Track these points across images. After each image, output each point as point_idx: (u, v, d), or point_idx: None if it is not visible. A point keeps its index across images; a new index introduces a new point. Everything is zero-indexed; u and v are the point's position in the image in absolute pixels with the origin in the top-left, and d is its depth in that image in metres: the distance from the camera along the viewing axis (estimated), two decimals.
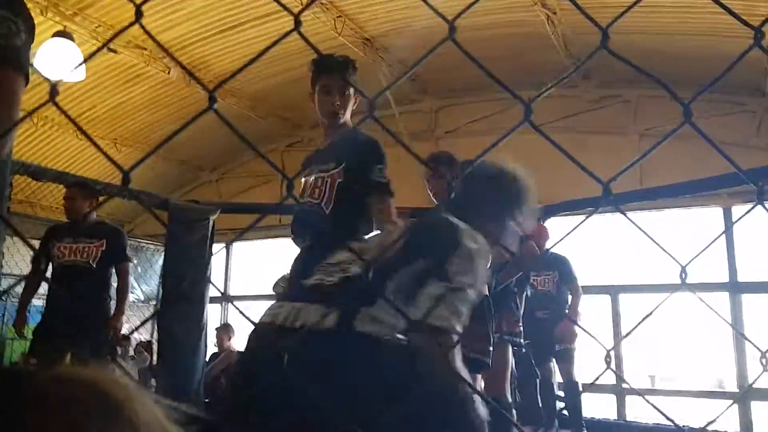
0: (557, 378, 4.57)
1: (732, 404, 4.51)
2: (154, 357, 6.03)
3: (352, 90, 2.29)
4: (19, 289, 4.53)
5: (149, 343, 6.55)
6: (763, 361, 0.79)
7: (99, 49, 0.86)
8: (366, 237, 2.12)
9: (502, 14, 5.57)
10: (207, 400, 5.73)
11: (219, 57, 6.10)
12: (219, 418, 1.39)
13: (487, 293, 2.62)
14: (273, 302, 1.68)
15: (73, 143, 7.12)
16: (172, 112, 6.99)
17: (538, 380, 4.26)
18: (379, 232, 2.22)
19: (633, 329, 0.78)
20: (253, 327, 1.65)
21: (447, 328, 1.40)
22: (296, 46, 5.86)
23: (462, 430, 1.40)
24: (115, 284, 4.07)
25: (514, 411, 3.43)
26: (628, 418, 5.53)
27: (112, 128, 7.06)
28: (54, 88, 0.64)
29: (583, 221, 0.79)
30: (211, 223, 5.73)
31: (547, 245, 4.86)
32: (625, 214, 0.77)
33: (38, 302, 4.14)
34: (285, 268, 2.39)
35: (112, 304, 4.01)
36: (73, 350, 3.11)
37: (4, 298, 6.44)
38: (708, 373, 6.81)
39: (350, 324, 1.40)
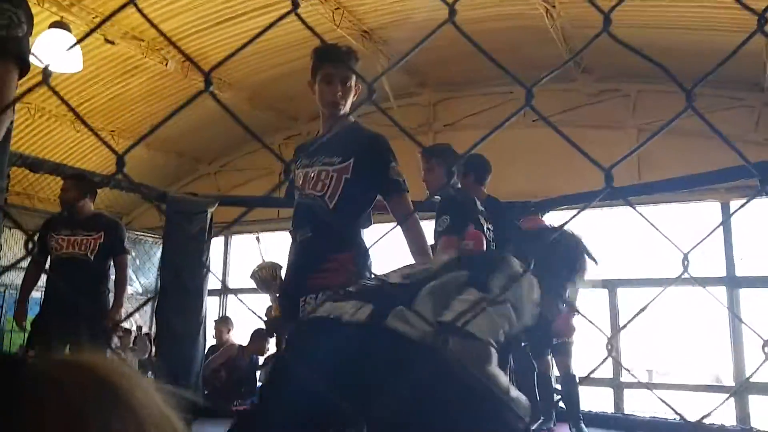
0: (555, 371, 4.58)
1: (729, 396, 4.53)
2: (154, 349, 6.04)
3: (353, 81, 2.26)
4: (17, 280, 4.53)
5: (149, 335, 6.55)
6: (766, 349, 0.79)
7: (92, 31, 0.85)
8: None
9: (501, 7, 5.55)
10: (206, 392, 5.74)
11: (216, 49, 6.07)
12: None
13: None
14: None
15: (71, 135, 7.10)
16: (170, 104, 6.97)
17: (535, 374, 4.27)
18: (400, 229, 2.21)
19: (633, 317, 0.77)
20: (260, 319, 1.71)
21: (480, 336, 1.42)
22: (294, 38, 5.84)
23: (493, 428, 1.42)
24: (113, 276, 4.07)
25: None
26: (625, 412, 5.55)
27: (109, 120, 7.04)
28: (46, 70, 0.63)
29: (584, 208, 0.78)
30: (209, 215, 5.72)
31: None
32: (629, 202, 0.76)
33: (36, 294, 4.14)
34: (283, 260, 2.39)
35: (111, 296, 4.01)
36: (72, 342, 3.11)
37: (2, 289, 6.44)
38: (705, 367, 6.84)
39: (382, 318, 1.43)
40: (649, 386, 6.50)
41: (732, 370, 5.65)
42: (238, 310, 7.66)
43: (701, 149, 5.42)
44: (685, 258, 0.73)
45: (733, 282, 5.67)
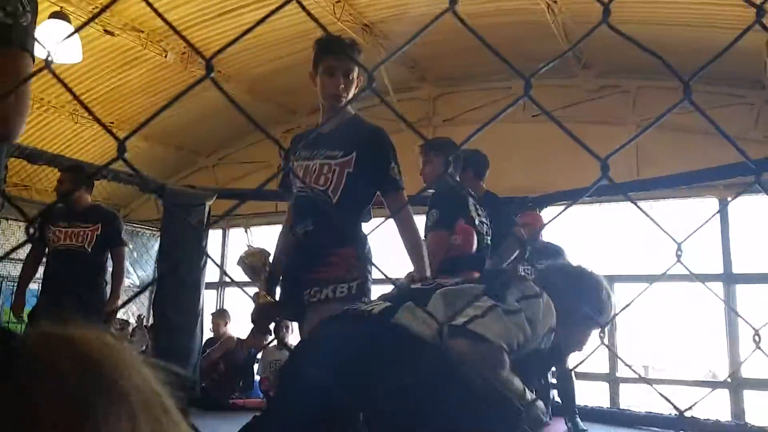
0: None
1: (716, 388, 4.54)
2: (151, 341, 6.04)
3: (356, 73, 2.25)
4: (14, 271, 4.52)
5: (147, 326, 6.55)
6: (756, 338, 0.80)
7: (92, 19, 0.85)
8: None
9: (503, 2, 5.54)
10: (204, 385, 5.75)
11: (218, 41, 6.05)
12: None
13: None
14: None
15: (69, 126, 7.09)
16: (169, 95, 6.95)
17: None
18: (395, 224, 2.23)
19: (624, 308, 0.78)
20: None
21: (490, 339, 1.44)
22: (294, 31, 5.83)
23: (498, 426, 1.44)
24: (110, 268, 4.07)
25: None
26: (621, 406, 5.57)
27: (108, 111, 7.02)
28: (49, 55, 0.63)
29: (582, 196, 0.78)
30: (207, 208, 5.72)
31: (542, 233, 4.88)
32: (626, 195, 0.77)
33: (34, 285, 4.14)
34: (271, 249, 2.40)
35: (108, 288, 4.01)
36: None
37: None
38: (701, 363, 6.86)
39: (393, 314, 1.46)
40: (645, 380, 6.52)
41: (727, 365, 5.67)
42: (235, 303, 7.67)
43: (699, 146, 5.43)
44: (679, 248, 0.73)
45: (729, 278, 5.69)
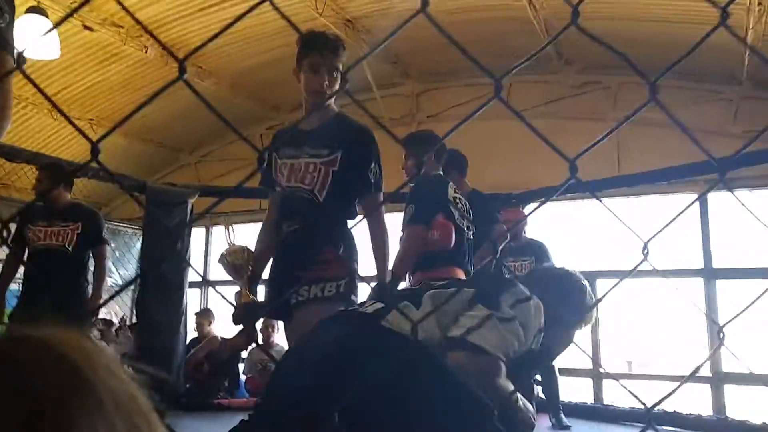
0: None
1: (683, 383, 4.59)
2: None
3: (340, 70, 2.25)
4: None
5: (131, 326, 6.48)
6: (721, 335, 0.81)
7: (69, 14, 0.83)
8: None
9: None
10: (188, 386, 5.71)
11: (197, 36, 5.99)
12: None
13: None
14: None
15: (49, 123, 6.98)
16: (150, 92, 6.87)
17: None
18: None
19: (595, 304, 0.78)
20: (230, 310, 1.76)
21: (487, 349, 1.45)
22: (276, 26, 5.79)
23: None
24: (92, 267, 4.02)
25: None
26: (605, 402, 5.62)
27: (88, 108, 6.93)
28: (20, 56, 0.61)
29: (545, 201, 0.79)
30: (189, 206, 5.67)
31: (524, 230, 4.90)
32: (593, 194, 0.76)
33: (14, 286, 4.08)
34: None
35: (90, 288, 3.96)
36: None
37: None
38: (683, 358, 6.93)
39: (385, 314, 1.48)
40: (626, 379, 6.58)
41: (709, 360, 5.73)
42: (219, 302, 7.61)
43: (681, 142, 5.47)
44: (645, 246, 0.73)
45: (710, 273, 5.75)
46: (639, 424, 4.53)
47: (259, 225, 2.47)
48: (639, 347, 7.06)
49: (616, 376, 5.97)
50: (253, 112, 7.63)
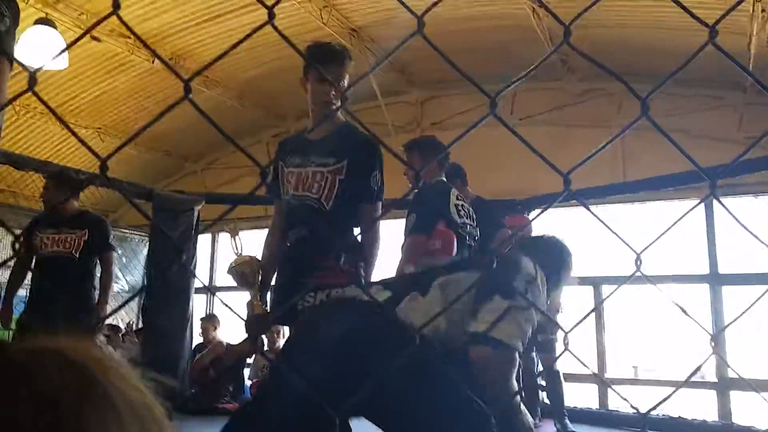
0: (539, 368, 4.62)
1: (677, 389, 4.58)
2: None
3: (347, 80, 2.28)
4: (2, 278, 4.48)
5: (137, 332, 6.52)
6: (712, 344, 0.83)
7: (80, 37, 0.86)
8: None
9: (489, 6, 5.58)
10: (193, 391, 5.73)
11: (203, 47, 6.05)
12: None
13: None
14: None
15: (57, 132, 7.05)
16: (157, 101, 6.93)
17: (520, 370, 4.30)
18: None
19: (587, 315, 0.80)
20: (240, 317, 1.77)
21: (509, 343, 1.47)
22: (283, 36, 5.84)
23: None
24: (99, 274, 4.04)
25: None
26: (610, 408, 5.61)
27: (95, 118, 7.00)
28: (32, 77, 0.64)
29: (546, 208, 0.81)
30: (195, 213, 5.71)
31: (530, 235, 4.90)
32: (585, 205, 0.79)
33: (21, 292, 4.11)
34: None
35: (97, 294, 3.99)
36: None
37: None
38: (690, 363, 6.90)
39: (394, 304, 1.48)
40: (632, 385, 6.56)
41: (714, 365, 5.72)
42: (224, 308, 7.65)
43: (686, 148, 5.47)
44: (638, 258, 0.75)
45: (716, 279, 5.74)
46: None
47: (265, 231, 2.49)
48: (645, 352, 7.04)
49: (609, 382, 5.96)
50: (259, 120, 7.69)
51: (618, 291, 6.19)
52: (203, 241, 8.33)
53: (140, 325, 6.47)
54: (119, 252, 6.72)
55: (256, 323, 2.22)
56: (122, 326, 6.93)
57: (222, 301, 0.79)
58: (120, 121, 7.17)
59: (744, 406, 5.39)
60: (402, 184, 3.40)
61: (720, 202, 0.79)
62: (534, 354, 4.51)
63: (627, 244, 0.76)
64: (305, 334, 1.61)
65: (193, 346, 6.06)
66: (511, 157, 6.49)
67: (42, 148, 7.08)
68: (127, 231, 7.77)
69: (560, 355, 4.19)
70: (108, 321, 6.36)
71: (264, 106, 7.52)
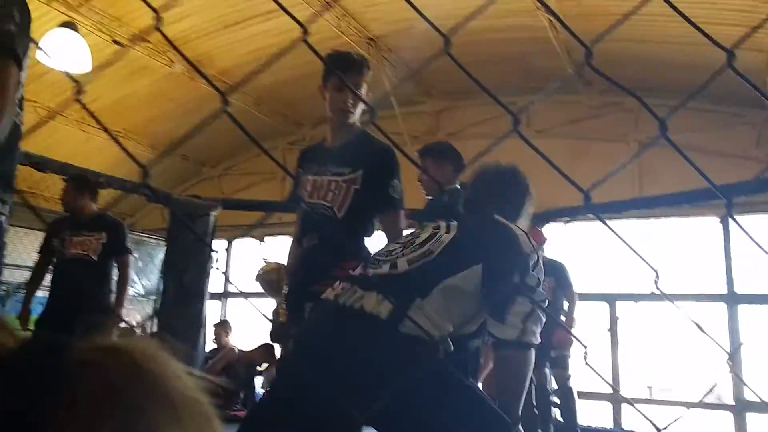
0: (552, 384, 4.58)
1: (690, 408, 4.53)
2: None
3: (365, 89, 2.29)
4: (19, 279, 4.54)
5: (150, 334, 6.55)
6: (729, 363, 0.81)
7: (132, 44, 0.87)
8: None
9: (508, 18, 5.58)
10: None
11: (223, 52, 6.11)
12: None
13: None
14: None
15: (76, 134, 7.13)
16: (176, 105, 7.00)
17: (533, 386, 4.27)
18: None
19: (600, 335, 0.79)
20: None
21: (533, 342, 1.48)
22: (301, 44, 5.87)
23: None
24: (116, 277, 4.08)
25: None
26: (624, 427, 5.54)
27: (115, 121, 7.07)
28: (79, 87, 0.65)
29: (559, 229, 0.80)
30: (212, 219, 5.75)
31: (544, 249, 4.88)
32: (604, 222, 0.78)
33: (39, 293, 4.16)
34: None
35: (113, 296, 4.02)
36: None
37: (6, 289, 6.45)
38: (706, 384, 6.80)
39: (403, 316, 1.42)
40: (646, 404, 6.48)
41: (732, 386, 5.63)
42: (238, 314, 7.68)
43: (703, 165, 5.42)
44: (657, 275, 0.75)
45: (732, 299, 5.66)
46: None
47: (279, 238, 2.50)
48: (660, 372, 6.94)
49: (628, 399, 5.89)
50: (276, 126, 7.73)
51: (633, 308, 6.14)
52: (218, 246, 8.37)
53: (154, 329, 6.51)
54: (135, 255, 6.77)
55: (281, 331, 2.23)
56: (136, 329, 6.97)
57: (252, 304, 0.79)
58: (139, 124, 7.24)
59: (762, 429, 5.30)
60: (417, 192, 3.41)
61: (735, 220, 0.78)
62: (547, 370, 4.47)
63: (646, 262, 0.75)
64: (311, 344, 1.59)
65: (207, 351, 6.09)
66: (527, 170, 6.48)
67: (61, 150, 7.16)
68: (143, 235, 7.83)
69: (576, 371, 4.14)
70: (122, 324, 6.40)
71: (281, 112, 7.57)
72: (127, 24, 5.61)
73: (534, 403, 4.18)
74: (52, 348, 0.42)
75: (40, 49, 4.41)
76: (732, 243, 5.76)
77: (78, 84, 0.65)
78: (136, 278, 7.28)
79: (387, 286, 1.52)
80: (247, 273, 8.41)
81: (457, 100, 7.28)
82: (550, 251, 4.96)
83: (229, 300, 8.22)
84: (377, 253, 1.75)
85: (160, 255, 7.44)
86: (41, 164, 4.76)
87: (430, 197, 3.34)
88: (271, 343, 5.71)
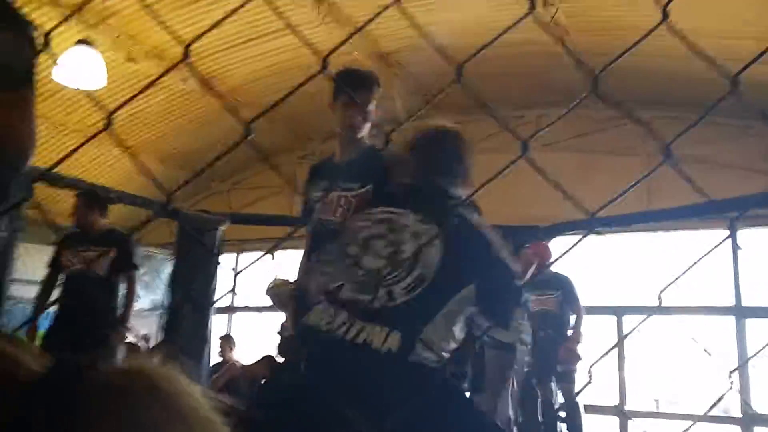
0: (559, 398, 4.57)
1: (695, 422, 4.51)
2: None
3: (374, 105, 2.32)
4: (27, 294, 4.57)
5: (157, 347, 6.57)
6: (731, 379, 0.83)
7: (163, 74, 0.91)
8: None
9: (519, 33, 5.61)
10: None
11: (237, 69, 6.18)
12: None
13: None
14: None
15: (89, 150, 7.21)
16: (188, 122, 7.08)
17: (539, 401, 4.26)
18: None
19: (607, 351, 0.81)
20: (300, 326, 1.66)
21: (525, 339, 1.50)
22: (310, 59, 5.94)
23: None
24: (122, 292, 4.11)
25: (515, 429, 3.43)
26: None
27: (127, 137, 7.14)
28: (110, 120, 0.68)
29: (568, 250, 0.83)
30: (220, 233, 5.79)
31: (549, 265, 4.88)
32: (600, 229, 0.81)
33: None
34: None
35: (119, 312, 4.04)
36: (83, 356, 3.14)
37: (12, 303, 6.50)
38: (713, 397, 6.75)
39: (411, 348, 1.42)
40: (653, 418, 6.44)
41: (739, 399, 5.59)
42: (242, 328, 7.70)
43: (711, 178, 5.43)
44: (660, 294, 0.77)
45: (741, 312, 5.64)
46: None
47: (288, 252, 2.53)
48: (667, 385, 6.90)
49: (630, 415, 5.85)
50: (286, 141, 7.79)
51: (639, 321, 6.11)
52: (226, 260, 8.40)
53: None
54: (142, 271, 6.81)
55: (288, 346, 2.24)
56: (141, 343, 6.99)
57: (264, 318, 0.82)
58: (152, 140, 7.31)
59: None
60: None
61: (735, 240, 0.81)
62: (553, 384, 4.46)
63: (654, 279, 0.77)
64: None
65: (212, 365, 6.10)
66: (535, 184, 6.49)
67: (73, 166, 7.24)
68: (150, 250, 7.87)
69: (583, 388, 4.14)
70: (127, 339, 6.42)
71: (291, 128, 7.62)
72: (142, 42, 5.69)
73: (540, 418, 4.17)
74: (77, 372, 0.44)
75: (56, 65, 4.48)
76: (739, 256, 5.75)
77: (109, 118, 0.68)
78: (141, 292, 7.32)
79: (391, 319, 1.49)
80: (255, 287, 8.43)
81: (464, 114, 7.29)
82: (557, 265, 4.97)
83: (236, 314, 8.24)
84: (348, 262, 1.68)
85: (166, 269, 7.49)
86: (53, 179, 4.82)
87: None
88: (273, 355, 5.73)
